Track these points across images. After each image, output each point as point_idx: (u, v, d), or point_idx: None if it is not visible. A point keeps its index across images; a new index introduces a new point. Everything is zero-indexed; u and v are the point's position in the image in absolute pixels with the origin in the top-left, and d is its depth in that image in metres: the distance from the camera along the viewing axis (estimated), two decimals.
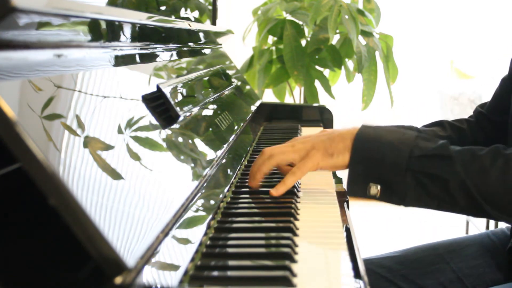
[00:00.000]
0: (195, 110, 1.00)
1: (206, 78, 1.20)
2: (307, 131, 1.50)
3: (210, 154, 0.91)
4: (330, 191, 0.92)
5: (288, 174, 0.86)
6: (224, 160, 0.98)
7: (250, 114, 1.40)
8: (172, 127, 0.84)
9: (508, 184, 0.78)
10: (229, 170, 0.95)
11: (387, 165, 0.81)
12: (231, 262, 0.61)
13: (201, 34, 1.37)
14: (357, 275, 0.59)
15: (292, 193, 0.85)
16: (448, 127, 1.14)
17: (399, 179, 0.81)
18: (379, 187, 0.82)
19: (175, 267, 0.56)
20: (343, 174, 1.02)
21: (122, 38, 0.85)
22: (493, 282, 1.03)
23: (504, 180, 0.78)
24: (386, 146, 0.82)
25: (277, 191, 0.85)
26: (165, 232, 0.60)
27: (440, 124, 1.16)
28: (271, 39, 2.39)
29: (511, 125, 1.03)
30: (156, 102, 0.83)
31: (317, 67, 2.28)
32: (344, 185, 0.94)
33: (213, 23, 1.64)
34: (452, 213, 0.84)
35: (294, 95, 2.50)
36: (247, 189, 0.89)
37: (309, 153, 0.86)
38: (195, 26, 1.24)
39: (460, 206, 0.81)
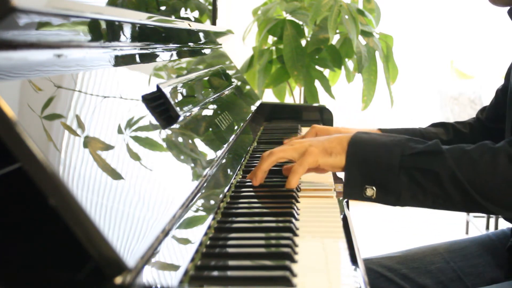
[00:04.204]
0: (195, 110, 1.00)
1: (206, 78, 1.20)
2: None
3: (210, 154, 0.91)
4: (330, 191, 0.92)
5: (291, 173, 0.87)
6: (224, 160, 0.98)
7: (250, 114, 1.40)
8: (172, 127, 0.84)
9: (498, 175, 0.80)
10: (229, 170, 0.95)
11: (381, 166, 0.83)
12: (231, 262, 0.61)
13: (201, 34, 1.37)
14: (357, 275, 0.59)
15: (291, 193, 0.85)
16: (451, 131, 1.18)
17: (393, 178, 0.82)
18: (374, 188, 0.84)
19: (175, 267, 0.56)
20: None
21: (122, 38, 0.85)
22: (493, 281, 1.04)
23: (493, 171, 0.80)
24: (379, 148, 0.85)
25: (287, 186, 0.87)
26: (165, 232, 0.60)
27: (444, 126, 1.20)
28: (271, 39, 2.39)
29: (507, 133, 1.06)
30: (156, 102, 0.84)
31: (317, 67, 2.28)
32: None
33: (213, 23, 1.64)
34: (451, 212, 0.86)
35: (294, 95, 2.50)
36: (247, 189, 0.89)
37: (307, 150, 0.87)
38: (195, 26, 1.24)
39: (455, 201, 0.82)
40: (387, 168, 0.83)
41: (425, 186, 0.82)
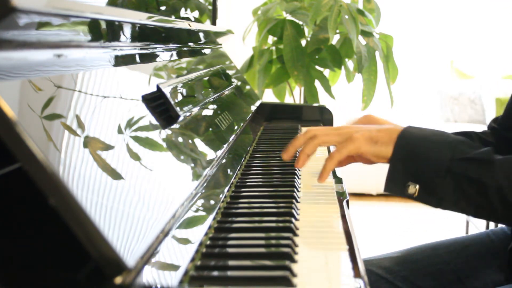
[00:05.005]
0: (195, 110, 1.00)
1: (206, 78, 1.21)
2: None
3: (210, 154, 0.91)
4: (330, 191, 0.92)
5: (327, 158, 0.86)
6: (224, 160, 0.98)
7: (250, 114, 1.40)
8: (172, 127, 0.84)
9: None
10: (229, 170, 0.95)
11: (429, 166, 0.80)
12: (231, 262, 0.61)
13: (201, 34, 1.37)
14: (357, 275, 0.59)
15: (291, 193, 0.86)
16: (476, 139, 1.12)
17: (439, 180, 0.80)
18: (417, 186, 0.81)
19: (175, 267, 0.56)
20: (346, 171, 1.02)
21: (122, 38, 0.85)
22: (494, 283, 1.03)
23: None
24: (430, 146, 0.82)
25: (321, 178, 0.87)
26: (165, 232, 0.60)
27: (467, 135, 1.13)
28: (271, 39, 2.39)
29: None
30: (156, 102, 0.84)
31: (317, 67, 2.28)
32: (344, 186, 0.94)
33: (213, 23, 1.64)
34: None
35: (294, 95, 2.50)
36: (247, 189, 0.89)
37: (352, 136, 0.85)
38: (195, 26, 1.24)
39: (498, 214, 0.79)
40: (435, 169, 0.80)
41: (469, 195, 0.79)
